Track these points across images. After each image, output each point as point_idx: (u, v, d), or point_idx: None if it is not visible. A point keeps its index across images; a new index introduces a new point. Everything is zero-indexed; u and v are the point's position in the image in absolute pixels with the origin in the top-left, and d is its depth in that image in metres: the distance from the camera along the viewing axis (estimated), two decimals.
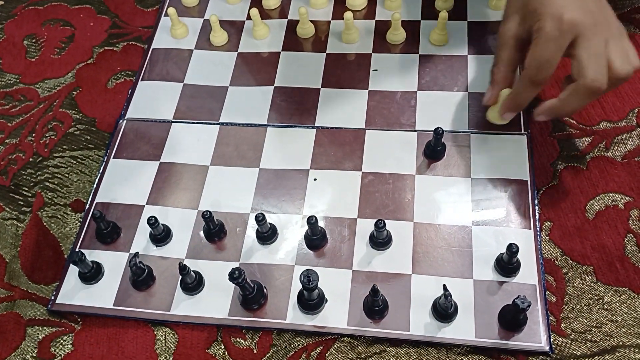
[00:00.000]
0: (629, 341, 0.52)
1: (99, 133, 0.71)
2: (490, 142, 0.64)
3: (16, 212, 0.65)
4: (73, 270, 0.59)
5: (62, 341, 0.56)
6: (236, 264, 0.58)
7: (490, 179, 0.61)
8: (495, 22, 0.73)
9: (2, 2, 0.85)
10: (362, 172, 0.63)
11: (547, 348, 0.52)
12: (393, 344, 0.54)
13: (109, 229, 0.60)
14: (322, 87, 0.70)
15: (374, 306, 0.54)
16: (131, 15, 0.82)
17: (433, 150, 0.63)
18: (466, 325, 0.53)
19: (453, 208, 0.60)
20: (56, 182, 0.67)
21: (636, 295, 0.55)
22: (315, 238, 0.58)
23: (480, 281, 0.55)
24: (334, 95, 0.69)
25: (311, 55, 0.73)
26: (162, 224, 0.60)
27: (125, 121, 0.70)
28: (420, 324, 0.54)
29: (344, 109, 0.68)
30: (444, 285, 0.51)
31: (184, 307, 0.56)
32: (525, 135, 0.64)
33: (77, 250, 0.59)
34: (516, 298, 0.49)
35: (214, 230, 0.59)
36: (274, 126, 0.68)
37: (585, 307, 0.54)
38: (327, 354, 0.54)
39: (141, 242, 0.60)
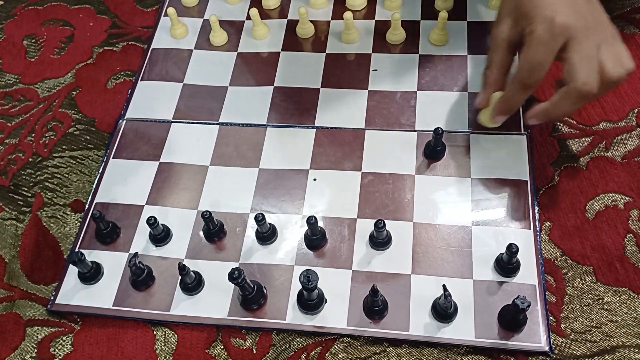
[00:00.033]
0: (628, 341, 0.52)
1: (99, 133, 0.71)
2: (490, 142, 0.64)
3: (16, 212, 0.65)
4: (72, 271, 0.59)
5: (61, 341, 0.56)
6: (236, 264, 0.58)
7: (490, 179, 0.61)
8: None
9: (2, 2, 0.85)
10: (362, 172, 0.63)
11: (546, 348, 0.52)
12: (393, 344, 0.54)
13: (108, 229, 0.60)
14: (321, 87, 0.70)
15: (374, 306, 0.53)
16: (131, 15, 0.82)
17: (433, 150, 0.63)
18: (466, 326, 0.53)
19: (453, 208, 0.60)
20: (56, 182, 0.67)
21: (636, 296, 0.55)
22: (314, 238, 0.58)
23: (480, 281, 0.55)
24: (334, 95, 0.69)
25: (311, 55, 0.73)
26: (162, 224, 0.60)
27: (124, 121, 0.70)
28: (419, 324, 0.54)
29: (343, 109, 0.68)
30: (444, 286, 0.51)
31: (184, 307, 0.56)
32: (525, 136, 0.64)
33: (76, 250, 0.59)
34: (516, 298, 0.49)
35: (213, 230, 0.59)
36: (273, 126, 0.68)
37: (585, 307, 0.54)
38: (326, 354, 0.54)
39: (141, 242, 0.60)
